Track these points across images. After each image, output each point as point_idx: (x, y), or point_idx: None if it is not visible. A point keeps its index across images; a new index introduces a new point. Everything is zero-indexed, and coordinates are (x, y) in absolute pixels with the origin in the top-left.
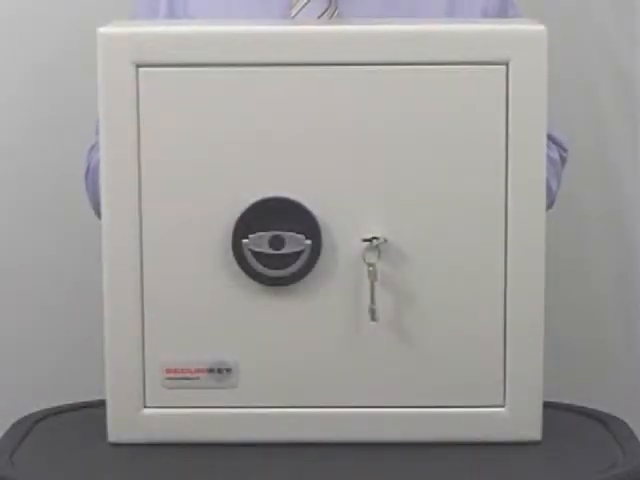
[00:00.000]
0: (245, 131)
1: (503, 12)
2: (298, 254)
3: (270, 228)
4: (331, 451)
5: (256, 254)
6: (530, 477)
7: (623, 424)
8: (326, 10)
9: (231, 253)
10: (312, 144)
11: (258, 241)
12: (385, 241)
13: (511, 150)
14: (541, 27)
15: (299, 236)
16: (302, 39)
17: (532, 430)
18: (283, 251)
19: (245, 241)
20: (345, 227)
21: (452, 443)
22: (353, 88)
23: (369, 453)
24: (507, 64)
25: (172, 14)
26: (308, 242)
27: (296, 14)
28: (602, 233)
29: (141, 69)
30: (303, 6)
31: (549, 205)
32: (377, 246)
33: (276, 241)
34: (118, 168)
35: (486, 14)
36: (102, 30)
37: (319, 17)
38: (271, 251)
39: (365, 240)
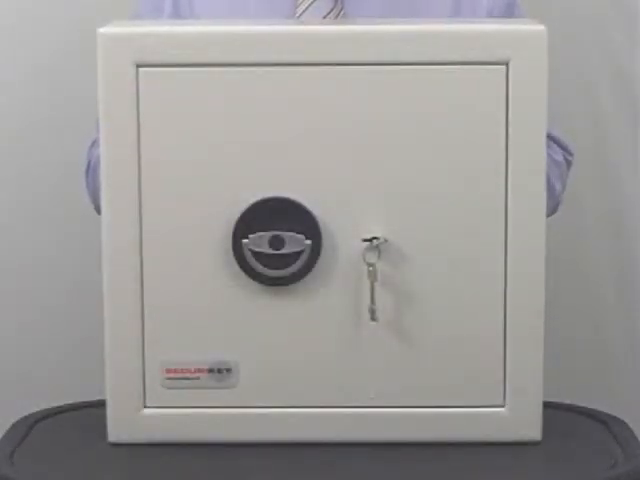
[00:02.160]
0: (245, 131)
1: (509, 13)
2: (298, 254)
3: (270, 228)
4: (331, 451)
5: (256, 254)
6: (530, 477)
7: (624, 424)
8: (331, 10)
9: (231, 253)
10: (312, 144)
11: (258, 241)
12: (385, 241)
13: (511, 150)
14: (541, 27)
15: (299, 236)
16: (302, 39)
17: (532, 430)
18: (283, 251)
19: (245, 241)
20: (345, 227)
21: (452, 443)
22: (353, 88)
23: (369, 453)
24: (507, 64)
25: (177, 14)
26: (308, 242)
27: (301, 14)
28: (602, 233)
29: (141, 69)
30: (308, 6)
31: (554, 208)
32: (377, 246)
33: (276, 241)
34: (118, 168)
35: (492, 15)
36: (102, 30)
37: (324, 17)
38: (271, 251)
39: (365, 240)
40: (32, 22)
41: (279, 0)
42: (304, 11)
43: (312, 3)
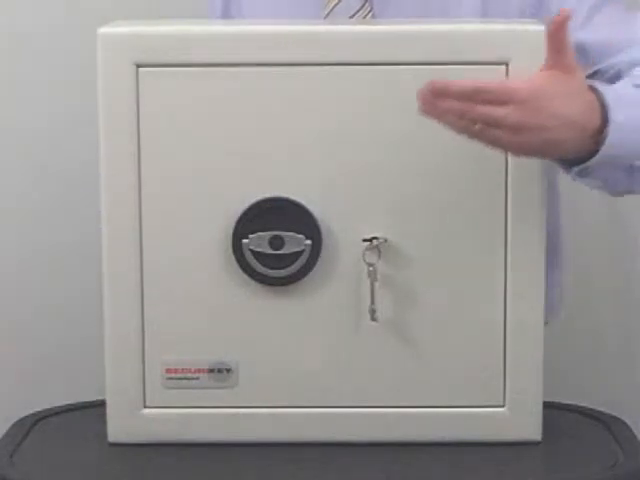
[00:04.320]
0: (245, 131)
1: (541, 10)
2: (298, 254)
3: (270, 228)
4: (331, 451)
5: (256, 254)
6: (530, 477)
7: (623, 424)
8: (359, 10)
9: (231, 253)
10: (312, 144)
11: (258, 241)
12: (385, 241)
13: None
14: (541, 27)
15: (299, 236)
16: (302, 39)
17: (532, 430)
18: (283, 251)
19: (245, 241)
20: (345, 227)
21: (452, 443)
22: (353, 88)
23: (369, 453)
24: (507, 64)
25: (227, 15)
26: (308, 242)
27: (327, 14)
28: (602, 232)
29: (141, 69)
30: (334, 6)
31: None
32: (377, 246)
33: (276, 241)
34: (118, 167)
35: (524, 14)
36: (102, 30)
37: (351, 17)
38: (271, 251)
39: (365, 240)
40: (32, 22)
41: (310, 0)
42: (330, 11)
43: (337, 4)
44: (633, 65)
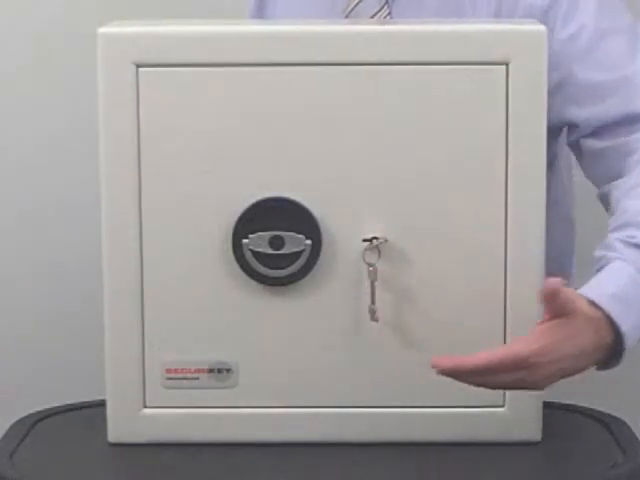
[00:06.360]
0: (245, 131)
1: (547, 15)
2: (298, 254)
3: (270, 228)
4: (331, 451)
5: (256, 254)
6: (530, 477)
7: (623, 424)
8: (378, 11)
9: (231, 253)
10: (312, 144)
11: (258, 241)
12: (385, 241)
13: (511, 151)
14: (541, 27)
15: (299, 236)
16: (302, 39)
17: (532, 430)
18: (283, 251)
19: (245, 241)
20: (345, 227)
21: (452, 443)
22: (353, 88)
23: (369, 453)
24: (507, 64)
25: (261, 15)
26: (308, 242)
27: (348, 14)
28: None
29: (141, 69)
30: (354, 7)
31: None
32: (377, 246)
33: (276, 241)
34: (118, 168)
35: (531, 14)
36: (102, 30)
37: (371, 17)
38: (271, 251)
39: (365, 240)
40: (32, 22)
41: (338, 1)
42: (350, 11)
43: (358, 3)
44: (603, 126)
